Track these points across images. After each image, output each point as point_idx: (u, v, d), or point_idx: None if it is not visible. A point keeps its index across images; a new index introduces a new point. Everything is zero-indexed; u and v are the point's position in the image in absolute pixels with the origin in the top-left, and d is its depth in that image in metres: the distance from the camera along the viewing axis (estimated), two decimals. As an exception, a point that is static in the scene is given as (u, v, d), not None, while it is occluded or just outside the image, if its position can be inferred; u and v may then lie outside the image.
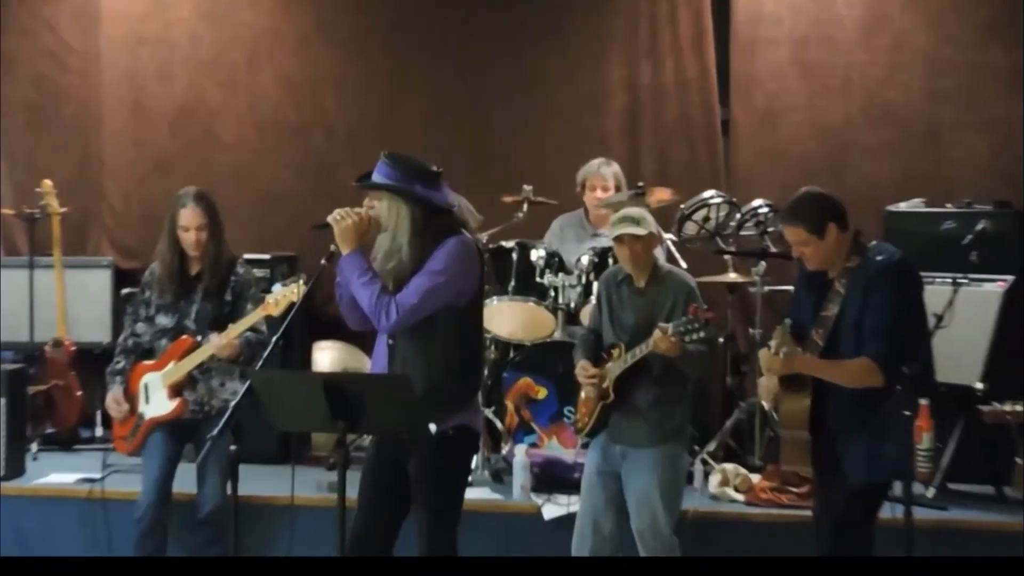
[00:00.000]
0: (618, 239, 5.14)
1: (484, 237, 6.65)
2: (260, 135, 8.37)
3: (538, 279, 6.69)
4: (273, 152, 8.35)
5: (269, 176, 8.34)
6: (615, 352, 5.12)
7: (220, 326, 5.51)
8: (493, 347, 6.89)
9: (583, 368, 5.21)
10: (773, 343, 4.48)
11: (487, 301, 6.39)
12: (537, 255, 6.72)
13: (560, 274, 6.66)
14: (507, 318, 6.74)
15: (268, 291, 5.63)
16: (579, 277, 6.62)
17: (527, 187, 7.07)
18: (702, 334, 4.79)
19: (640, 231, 5.10)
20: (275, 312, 5.32)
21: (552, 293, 6.67)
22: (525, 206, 7.06)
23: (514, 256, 6.74)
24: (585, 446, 5.36)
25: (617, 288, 5.25)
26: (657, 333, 4.87)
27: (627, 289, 5.22)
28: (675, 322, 4.84)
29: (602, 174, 6.97)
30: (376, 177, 4.37)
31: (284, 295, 5.31)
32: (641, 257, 5.15)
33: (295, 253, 7.72)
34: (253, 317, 5.43)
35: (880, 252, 4.57)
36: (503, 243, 6.82)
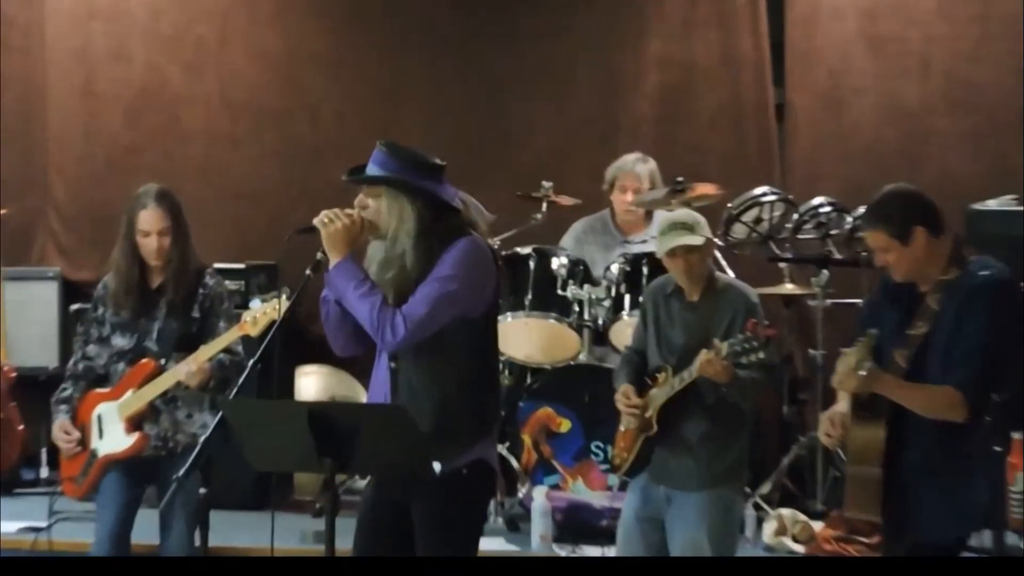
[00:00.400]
0: (671, 253, 5.15)
1: (496, 242, 6.64)
2: (233, 123, 8.39)
3: (560, 291, 6.68)
4: (248, 142, 8.37)
5: (244, 171, 8.36)
6: (661, 377, 5.11)
7: (187, 347, 5.50)
8: (507, 372, 6.89)
9: (625, 394, 5.19)
10: (852, 357, 4.46)
11: (500, 317, 6.38)
12: (558, 263, 6.70)
13: (586, 286, 6.65)
14: (523, 337, 6.74)
15: (243, 306, 5.62)
16: (608, 289, 6.61)
17: (546, 184, 7.09)
18: (760, 355, 4.78)
19: (696, 240, 5.10)
20: (253, 332, 5.32)
21: (576, 308, 6.66)
22: (544, 206, 7.06)
23: (531, 264, 6.73)
24: (622, 488, 5.34)
25: (665, 302, 5.24)
26: (704, 354, 4.86)
27: (677, 304, 5.21)
28: (730, 340, 4.83)
29: (636, 173, 6.97)
30: (372, 169, 4.36)
31: (264, 312, 5.30)
32: (696, 269, 5.15)
33: (274, 262, 7.73)
34: (227, 337, 5.43)
35: (985, 266, 4.51)
36: (518, 249, 6.81)
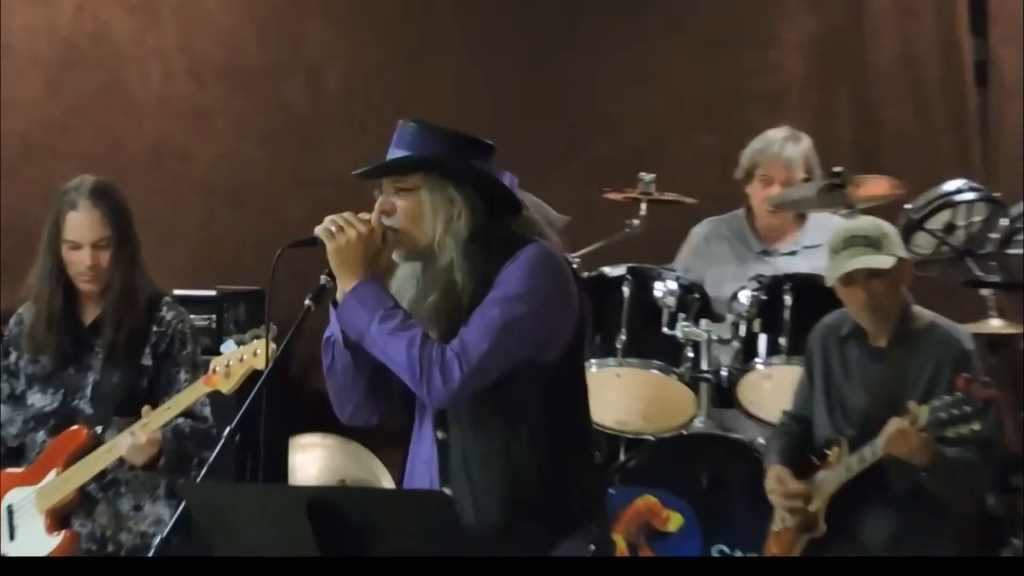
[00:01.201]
0: (847, 279, 5.12)
1: (575, 260, 6.60)
2: (199, 90, 8.46)
3: (666, 329, 6.67)
4: (221, 117, 8.43)
5: (215, 158, 8.41)
6: (833, 454, 5.13)
7: (134, 409, 5.50)
8: (591, 445, 6.87)
9: (778, 479, 5.23)
10: None
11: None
12: (664, 289, 6.69)
13: (703, 321, 6.64)
14: (614, 396, 6.72)
15: (213, 350, 5.61)
16: (735, 326, 6.59)
17: (646, 176, 7.07)
18: (975, 426, 4.76)
19: (883, 261, 5.15)
20: (226, 387, 5.32)
21: (690, 353, 6.65)
22: (643, 208, 7.05)
23: (625, 290, 6.73)
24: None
25: (840, 349, 5.31)
26: (895, 422, 4.83)
27: (857, 351, 5.28)
28: (933, 404, 4.79)
29: (786, 158, 6.93)
30: (400, 154, 4.31)
31: (241, 359, 5.30)
32: (884, 301, 5.21)
33: (259, 287, 7.72)
34: (189, 395, 5.42)
35: None
36: (606, 270, 6.81)
